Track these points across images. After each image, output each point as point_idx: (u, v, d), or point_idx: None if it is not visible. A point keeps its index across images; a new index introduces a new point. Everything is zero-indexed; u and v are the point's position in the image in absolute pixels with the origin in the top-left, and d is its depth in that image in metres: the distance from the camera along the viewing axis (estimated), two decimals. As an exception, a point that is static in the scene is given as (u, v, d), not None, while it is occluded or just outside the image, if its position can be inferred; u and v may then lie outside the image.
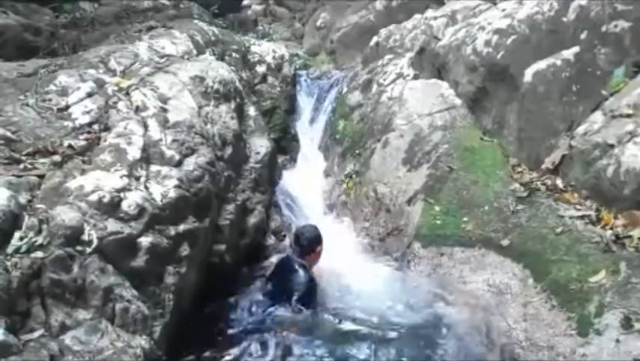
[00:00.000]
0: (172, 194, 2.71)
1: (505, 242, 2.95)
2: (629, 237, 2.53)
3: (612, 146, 2.73)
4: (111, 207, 2.37)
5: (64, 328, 1.94)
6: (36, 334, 1.85)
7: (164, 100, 3.27)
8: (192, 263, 2.77)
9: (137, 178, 2.63)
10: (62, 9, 4.76)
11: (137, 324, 2.24)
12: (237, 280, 3.47)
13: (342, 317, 2.97)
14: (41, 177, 2.40)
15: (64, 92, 3.06)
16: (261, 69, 5.37)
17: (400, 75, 4.74)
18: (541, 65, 3.30)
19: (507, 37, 3.59)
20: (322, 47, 7.74)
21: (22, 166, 2.44)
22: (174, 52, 4.05)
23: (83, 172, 2.49)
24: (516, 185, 3.19)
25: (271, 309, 3.05)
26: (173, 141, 3.00)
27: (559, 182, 3.05)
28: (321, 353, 2.70)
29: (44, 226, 2.08)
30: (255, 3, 10.15)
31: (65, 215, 2.15)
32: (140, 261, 2.40)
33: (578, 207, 2.85)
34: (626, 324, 2.15)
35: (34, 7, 4.54)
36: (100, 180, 2.43)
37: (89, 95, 3.09)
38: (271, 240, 4.06)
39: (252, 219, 3.83)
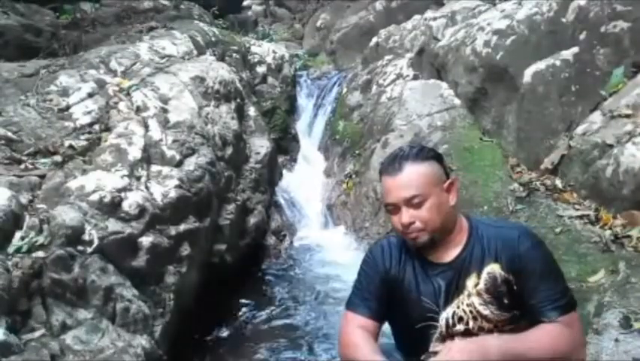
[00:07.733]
0: (172, 194, 2.72)
1: (504, 242, 2.95)
2: (628, 237, 2.52)
3: (611, 146, 2.73)
4: (112, 207, 2.37)
5: (65, 327, 1.95)
6: (37, 333, 1.85)
7: (165, 100, 3.28)
8: (193, 263, 2.77)
9: (138, 178, 2.63)
10: (63, 10, 4.76)
11: (138, 324, 2.24)
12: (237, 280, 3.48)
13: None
14: (42, 177, 2.40)
15: (65, 92, 3.06)
16: (261, 70, 5.37)
17: (399, 76, 4.75)
18: (540, 65, 3.30)
19: (506, 37, 3.59)
20: (322, 47, 7.76)
21: (23, 166, 2.45)
22: (175, 52, 4.05)
23: (84, 172, 2.49)
24: (515, 185, 3.19)
25: None
26: (174, 141, 3.00)
27: (558, 182, 3.05)
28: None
29: (45, 226, 2.09)
30: (256, 4, 10.18)
31: (66, 215, 2.16)
32: (140, 261, 2.41)
33: (577, 207, 2.85)
34: (625, 324, 2.15)
35: (34, 8, 4.53)
36: (101, 180, 2.43)
37: (90, 95, 3.09)
38: (271, 240, 4.06)
39: (252, 219, 3.83)
